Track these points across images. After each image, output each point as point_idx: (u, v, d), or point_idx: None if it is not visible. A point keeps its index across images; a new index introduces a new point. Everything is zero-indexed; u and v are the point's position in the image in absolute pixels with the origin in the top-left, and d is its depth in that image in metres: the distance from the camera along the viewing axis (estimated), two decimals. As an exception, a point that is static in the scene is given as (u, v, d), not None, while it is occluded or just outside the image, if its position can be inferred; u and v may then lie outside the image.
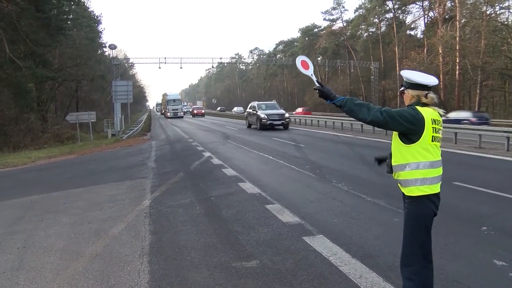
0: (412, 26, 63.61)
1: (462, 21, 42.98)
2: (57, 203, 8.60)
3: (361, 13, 69.48)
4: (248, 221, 6.38)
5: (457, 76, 43.28)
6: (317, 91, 3.50)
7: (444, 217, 5.71)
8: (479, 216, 6.33)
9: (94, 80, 43.01)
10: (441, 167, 3.24)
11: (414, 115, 3.08)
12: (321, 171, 10.80)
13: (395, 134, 3.29)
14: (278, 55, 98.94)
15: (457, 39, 41.53)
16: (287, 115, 29.14)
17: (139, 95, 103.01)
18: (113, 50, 49.74)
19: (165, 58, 52.30)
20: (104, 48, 55.76)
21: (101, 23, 53.46)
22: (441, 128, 3.24)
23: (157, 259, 4.95)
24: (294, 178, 10.14)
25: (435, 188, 3.17)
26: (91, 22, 50.13)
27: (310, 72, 4.03)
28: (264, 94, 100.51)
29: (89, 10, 48.81)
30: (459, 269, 4.41)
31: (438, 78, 43.83)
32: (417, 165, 3.14)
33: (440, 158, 3.23)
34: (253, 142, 19.75)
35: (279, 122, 27.95)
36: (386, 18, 67.22)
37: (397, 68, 54.93)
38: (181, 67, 53.20)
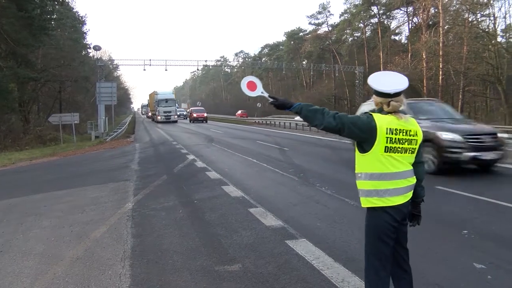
0: (396, 31, 64.19)
1: (445, 27, 43.49)
2: (38, 205, 8.47)
3: (346, 17, 69.88)
4: (231, 224, 6.36)
5: (440, 81, 43.71)
6: (272, 105, 3.39)
7: (427, 221, 5.75)
8: (460, 220, 6.40)
9: (78, 81, 42.57)
10: (406, 179, 3.01)
11: (366, 123, 2.93)
12: (305, 175, 10.82)
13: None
14: (264, 59, 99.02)
15: (441, 44, 41.97)
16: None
17: (124, 97, 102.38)
18: (98, 51, 49.41)
19: (150, 60, 51.87)
20: (88, 49, 55.09)
21: (85, 23, 52.86)
22: (408, 137, 2.99)
23: (139, 263, 4.90)
24: (278, 182, 10.14)
25: (391, 201, 2.96)
26: (75, 23, 49.55)
27: (259, 91, 3.80)
28: (249, 98, 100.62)
29: (73, 10, 48.21)
30: (440, 272, 4.44)
31: (422, 83, 44.53)
32: (368, 176, 3.01)
33: (403, 170, 2.99)
34: (238, 145, 19.73)
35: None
36: (371, 23, 67.71)
37: (381, 73, 55.37)
38: (166, 69, 54.91)
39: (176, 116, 54.39)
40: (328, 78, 74.94)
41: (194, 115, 55.98)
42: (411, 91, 47.86)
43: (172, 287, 4.24)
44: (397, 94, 2.98)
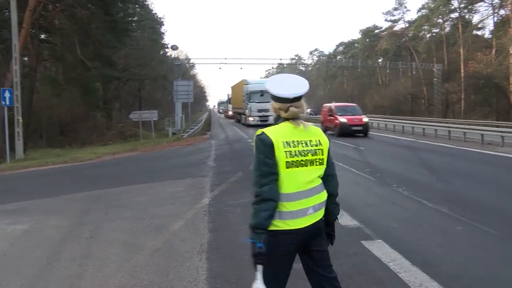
0: (479, 25, 60.80)
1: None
2: (120, 197, 8.93)
3: (424, 13, 67.14)
4: (305, 222, 6.34)
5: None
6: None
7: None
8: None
9: (156, 80, 44.35)
10: (314, 197, 2.65)
11: (266, 147, 2.58)
12: (381, 175, 10.59)
13: None
14: (338, 57, 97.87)
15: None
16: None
17: (200, 95, 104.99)
18: (175, 51, 50.93)
19: (225, 58, 52.72)
20: (166, 49, 57.05)
21: (163, 24, 54.85)
22: (310, 147, 2.65)
23: (215, 257, 5.02)
24: (354, 181, 10.00)
25: (296, 223, 2.59)
26: (154, 24, 51.49)
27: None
28: (324, 96, 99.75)
29: (152, 12, 50.12)
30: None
31: (507, 80, 41.94)
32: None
33: (311, 186, 2.64)
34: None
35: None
36: (450, 18, 64.42)
37: (462, 70, 52.80)
38: (241, 68, 48.00)
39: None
40: (405, 76, 72.62)
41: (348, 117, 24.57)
42: (496, 90, 45.39)
43: (247, 282, 4.27)
44: (296, 99, 2.66)
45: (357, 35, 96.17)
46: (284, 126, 2.66)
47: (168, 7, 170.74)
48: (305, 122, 2.71)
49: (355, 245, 5.24)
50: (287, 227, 2.58)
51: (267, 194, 2.55)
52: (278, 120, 2.74)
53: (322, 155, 2.71)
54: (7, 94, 17.92)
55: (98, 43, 27.20)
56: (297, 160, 2.59)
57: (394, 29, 76.51)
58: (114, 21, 28.29)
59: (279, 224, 2.58)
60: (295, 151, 2.59)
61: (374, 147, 17.99)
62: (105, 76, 29.47)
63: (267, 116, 33.29)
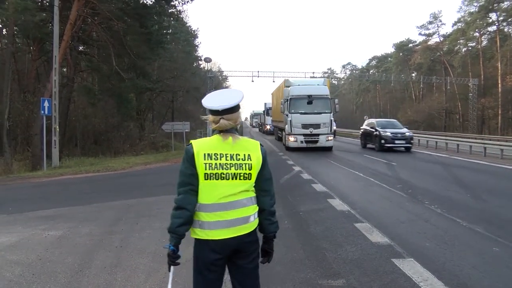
0: (518, 39, 59.27)
1: None
2: (151, 208, 9.03)
3: (459, 26, 66.04)
4: (336, 238, 6.29)
5: None
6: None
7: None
8: None
9: (189, 91, 44.86)
10: (234, 210, 2.68)
11: (188, 157, 2.69)
12: (413, 191, 10.41)
13: None
14: (371, 71, 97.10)
15: None
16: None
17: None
18: (208, 63, 51.62)
19: (258, 71, 53.01)
20: (199, 61, 57.79)
21: (197, 37, 55.59)
22: (235, 161, 2.70)
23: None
24: (385, 197, 9.86)
25: (214, 234, 2.66)
26: (188, 36, 52.22)
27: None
28: (356, 110, 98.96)
29: (187, 25, 50.87)
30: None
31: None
32: (196, 206, 2.71)
33: (231, 200, 2.67)
34: (344, 158, 19.48)
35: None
36: (488, 31, 63.12)
37: (499, 85, 51.64)
38: (273, 81, 47.68)
39: (331, 138, 24.45)
40: (439, 91, 71.44)
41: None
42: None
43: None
44: (226, 111, 2.70)
45: (390, 49, 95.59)
46: (213, 138, 2.75)
47: (202, 20, 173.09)
48: (237, 136, 2.77)
49: (386, 263, 5.16)
50: (206, 237, 2.66)
51: (180, 203, 2.68)
52: (213, 133, 2.81)
53: (250, 170, 2.73)
54: (46, 104, 18.43)
55: (133, 55, 27.76)
56: (217, 173, 2.65)
57: (429, 43, 75.55)
58: (149, 34, 28.86)
59: (199, 233, 2.69)
60: (215, 163, 2.65)
61: (406, 163, 17.70)
62: (139, 87, 30.00)
63: (317, 135, 23.31)
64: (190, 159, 2.67)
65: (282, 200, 9.60)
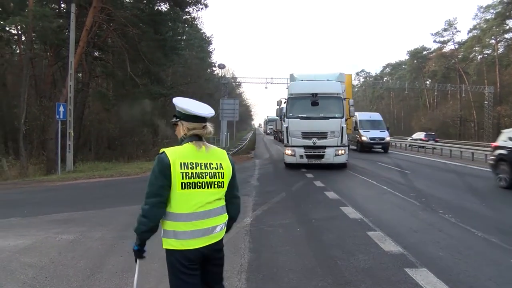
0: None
1: None
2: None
3: (475, 34, 65.41)
4: (348, 246, 6.24)
5: None
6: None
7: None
8: None
9: (203, 97, 44.83)
10: (211, 219, 2.76)
11: (163, 168, 2.68)
12: (427, 200, 10.30)
13: None
14: (385, 78, 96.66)
15: None
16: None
17: (245, 113, 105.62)
18: (222, 70, 51.78)
19: (271, 78, 52.97)
20: (213, 68, 58.17)
21: (211, 43, 55.98)
22: (209, 170, 2.77)
23: (255, 277, 5.00)
24: (398, 206, 9.78)
25: (190, 244, 2.71)
26: (202, 43, 52.55)
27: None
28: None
29: (201, 31, 51.18)
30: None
31: None
32: (168, 216, 2.73)
33: (207, 208, 2.74)
34: (357, 166, 19.37)
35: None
36: (504, 38, 62.29)
37: (516, 93, 51.01)
38: (287, 88, 47.41)
39: (342, 152, 17.85)
40: (454, 98, 70.75)
41: None
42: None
43: (286, 305, 4.25)
44: (206, 120, 2.83)
45: (404, 57, 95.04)
46: (186, 147, 2.77)
47: (216, 27, 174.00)
48: (208, 144, 2.85)
49: (399, 272, 5.10)
50: (181, 247, 2.69)
51: (145, 213, 2.72)
52: (182, 141, 2.83)
53: (222, 178, 2.81)
54: (61, 109, 18.64)
55: (147, 61, 28.00)
56: (194, 182, 2.69)
57: (443, 50, 74.95)
58: (164, 40, 29.11)
59: (174, 244, 2.70)
60: (192, 172, 2.69)
61: (420, 171, 17.55)
62: (153, 92, 30.18)
63: (323, 148, 17.41)
64: (165, 169, 2.67)
65: (294, 207, 9.59)
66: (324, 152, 17.30)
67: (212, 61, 57.81)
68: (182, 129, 2.83)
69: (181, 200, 2.69)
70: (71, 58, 20.04)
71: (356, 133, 29.74)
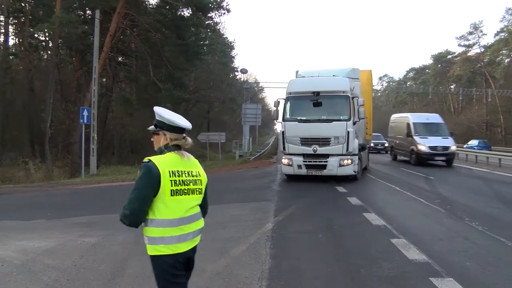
0: None
1: None
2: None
3: (502, 36, 64.08)
4: (371, 254, 6.11)
5: None
6: None
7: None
8: None
9: (225, 102, 45.26)
10: (194, 223, 2.92)
11: (152, 176, 2.75)
12: (452, 207, 10.07)
13: None
14: (408, 83, 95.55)
15: None
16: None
17: (267, 118, 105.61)
18: (244, 74, 51.83)
19: (294, 83, 52.85)
20: (235, 72, 58.36)
21: (234, 48, 56.17)
22: (192, 177, 2.92)
23: (276, 285, 4.92)
24: (422, 212, 9.59)
25: (178, 248, 2.82)
26: (225, 48, 52.76)
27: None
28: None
29: (223, 36, 51.40)
30: None
31: None
32: (155, 222, 2.79)
33: (192, 213, 2.89)
34: (380, 171, 19.14)
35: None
36: (534, 41, 61.12)
37: (545, 98, 49.77)
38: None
39: (349, 162, 14.63)
40: (479, 103, 69.43)
41: None
42: None
43: (308, 313, 4.17)
44: (185, 131, 2.96)
45: (428, 61, 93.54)
46: (171, 156, 2.89)
47: (239, 32, 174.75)
48: (188, 154, 3.00)
49: (423, 282, 4.95)
50: (170, 252, 2.79)
51: (124, 217, 2.84)
52: (163, 151, 2.92)
53: (201, 185, 3.01)
54: (85, 113, 18.91)
55: (170, 66, 28.27)
56: (181, 189, 2.83)
57: (469, 54, 73.56)
58: (186, 45, 29.35)
59: (162, 249, 2.79)
60: (179, 180, 2.82)
61: (445, 177, 17.22)
62: (175, 97, 30.39)
63: (325, 157, 14.61)
64: (154, 177, 2.74)
65: (316, 213, 9.49)
66: (326, 161, 14.53)
67: (235, 66, 58.03)
68: (164, 139, 2.95)
69: (170, 206, 2.78)
70: (95, 63, 20.35)
71: (409, 141, 23.32)
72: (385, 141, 33.70)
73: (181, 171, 2.86)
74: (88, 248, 6.55)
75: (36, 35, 29.77)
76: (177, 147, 2.95)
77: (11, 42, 33.29)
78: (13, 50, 32.48)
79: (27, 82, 28.82)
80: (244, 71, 49.17)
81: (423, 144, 21.95)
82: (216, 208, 10.33)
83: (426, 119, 24.53)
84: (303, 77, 16.71)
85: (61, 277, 5.20)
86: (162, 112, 2.96)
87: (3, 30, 30.70)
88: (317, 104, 14.66)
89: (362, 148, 16.86)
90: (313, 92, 14.64)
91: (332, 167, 14.43)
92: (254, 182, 15.93)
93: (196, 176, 2.97)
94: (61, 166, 23.12)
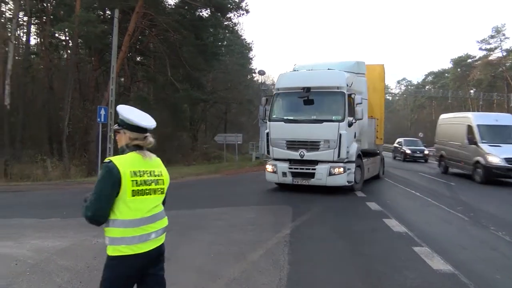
0: None
1: None
2: (200, 220, 8.92)
3: (526, 40, 62.89)
4: (392, 262, 5.88)
5: None
6: None
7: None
8: None
9: (242, 103, 45.09)
10: (157, 222, 2.89)
11: (112, 176, 2.68)
12: (476, 215, 9.76)
13: None
14: (427, 87, 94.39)
15: None
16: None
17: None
18: (262, 76, 51.64)
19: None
20: (253, 74, 58.25)
21: (252, 49, 56.01)
22: (154, 177, 2.87)
23: (295, 293, 4.73)
24: (444, 219, 9.31)
25: (140, 248, 2.77)
26: (242, 49, 52.69)
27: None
28: (411, 127, 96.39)
29: (241, 37, 51.36)
30: None
31: None
32: (117, 223, 2.72)
33: (154, 213, 2.86)
34: (399, 176, 18.81)
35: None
36: (558, 44, 59.77)
37: None
38: None
39: (340, 171, 12.34)
40: (500, 108, 68.02)
41: None
42: None
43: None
44: (147, 130, 2.91)
45: (447, 65, 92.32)
46: (133, 156, 2.84)
47: (257, 33, 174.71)
48: (150, 153, 2.96)
49: (450, 294, 4.72)
50: (131, 252, 2.73)
51: (86, 217, 2.73)
52: (124, 150, 2.89)
53: (163, 185, 2.98)
54: (102, 112, 18.91)
55: (188, 66, 28.26)
56: (142, 189, 2.78)
57: (490, 58, 72.21)
58: (204, 45, 29.32)
59: (123, 250, 2.72)
60: (141, 180, 2.78)
61: (465, 183, 16.75)
62: (193, 97, 30.40)
63: (313, 163, 12.57)
64: (115, 178, 2.69)
65: (335, 218, 9.28)
66: (314, 168, 12.48)
67: (252, 67, 57.86)
68: (124, 138, 2.91)
69: (131, 207, 2.73)
70: (113, 63, 20.35)
71: (472, 150, 17.56)
72: (424, 148, 31.90)
73: (143, 171, 2.82)
74: (102, 249, 6.38)
75: (56, 35, 30.02)
76: (138, 147, 2.89)
77: (32, 41, 33.80)
78: (35, 49, 32.90)
79: (47, 81, 29.07)
80: (261, 73, 48.91)
81: (495, 155, 16.33)
82: (231, 210, 10.23)
83: (494, 121, 18.39)
84: (296, 71, 14.65)
85: (74, 279, 5.10)
86: (123, 111, 2.90)
87: (25, 30, 31.18)
88: (308, 101, 12.62)
89: (370, 154, 15.37)
90: (303, 88, 12.57)
91: (321, 175, 12.39)
92: (271, 185, 15.72)
93: (158, 176, 2.94)
94: (78, 164, 23.22)
